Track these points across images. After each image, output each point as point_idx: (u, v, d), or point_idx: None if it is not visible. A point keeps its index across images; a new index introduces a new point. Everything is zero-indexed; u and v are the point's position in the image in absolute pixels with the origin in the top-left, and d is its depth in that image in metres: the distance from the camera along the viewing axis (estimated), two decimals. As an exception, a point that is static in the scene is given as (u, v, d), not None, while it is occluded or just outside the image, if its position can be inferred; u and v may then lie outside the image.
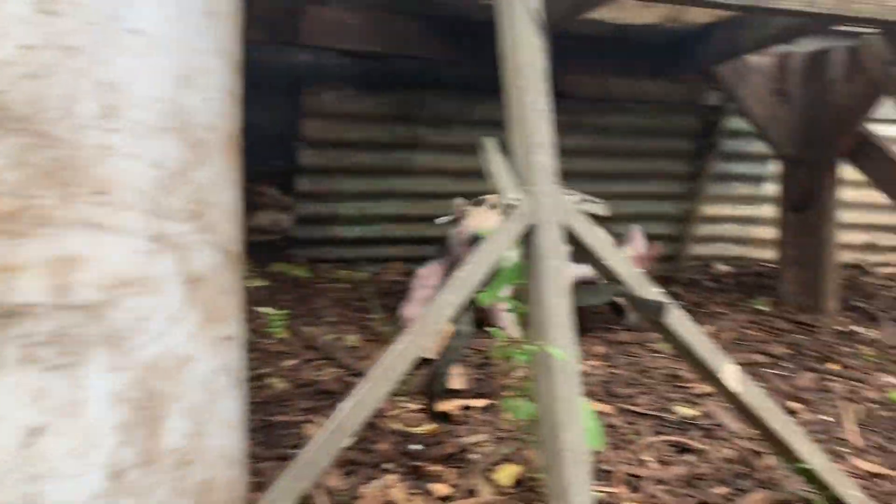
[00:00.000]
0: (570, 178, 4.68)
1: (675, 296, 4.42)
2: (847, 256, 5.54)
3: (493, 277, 1.86)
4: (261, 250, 4.34)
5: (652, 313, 1.90)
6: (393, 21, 3.75)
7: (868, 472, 2.31)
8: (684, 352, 1.98)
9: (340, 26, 3.65)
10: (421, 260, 4.41)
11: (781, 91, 4.28)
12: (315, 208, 4.25)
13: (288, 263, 4.10)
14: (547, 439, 1.79)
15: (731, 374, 1.96)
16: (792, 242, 4.32)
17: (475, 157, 4.48)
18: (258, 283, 3.64)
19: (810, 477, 2.01)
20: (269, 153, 4.30)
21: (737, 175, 5.17)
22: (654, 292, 1.92)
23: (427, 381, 1.81)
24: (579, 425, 1.75)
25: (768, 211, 5.06)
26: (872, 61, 3.54)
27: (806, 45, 4.20)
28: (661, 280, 4.89)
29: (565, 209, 1.88)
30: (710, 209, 5.17)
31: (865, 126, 4.01)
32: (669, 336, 1.96)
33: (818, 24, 3.22)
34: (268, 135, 4.29)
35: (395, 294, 3.82)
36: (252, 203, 4.37)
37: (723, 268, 5.25)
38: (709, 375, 1.99)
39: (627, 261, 1.93)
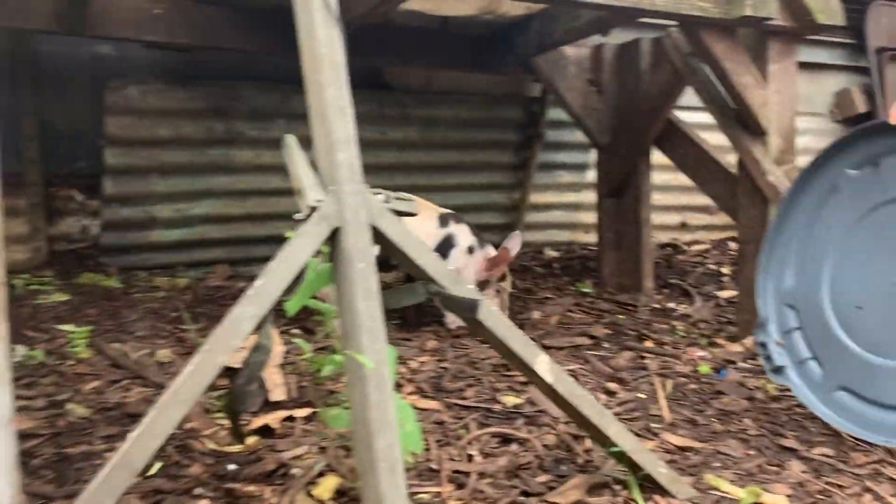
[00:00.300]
0: (400, 170, 4.67)
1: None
2: (663, 237, 5.92)
3: (299, 284, 1.75)
4: (67, 261, 3.97)
5: (465, 311, 1.87)
6: (200, 11, 3.52)
7: (677, 446, 2.43)
8: (499, 347, 1.98)
9: (140, 16, 3.38)
10: (248, 261, 4.21)
11: (596, 82, 4.46)
12: (126, 212, 3.93)
13: (98, 274, 3.77)
14: (361, 448, 1.72)
15: (545, 366, 1.98)
16: (610, 227, 4.52)
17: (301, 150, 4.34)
18: (59, 297, 3.31)
19: (622, 458, 2.08)
20: (72, 154, 3.94)
21: (561, 164, 5.35)
22: (467, 290, 1.89)
23: (228, 401, 1.68)
24: (393, 432, 1.69)
25: (591, 197, 5.27)
26: (675, 53, 3.75)
27: (622, 37, 4.40)
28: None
29: (372, 209, 1.81)
30: (538, 197, 5.32)
31: (672, 113, 4.25)
32: (485, 332, 1.95)
33: (621, 17, 3.34)
34: (69, 134, 3.93)
35: (218, 300, 3.62)
36: (55, 209, 3.99)
37: (552, 253, 5.43)
38: (524, 368, 1.99)
39: (438, 259, 1.89)
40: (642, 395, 2.83)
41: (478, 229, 3.60)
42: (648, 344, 3.47)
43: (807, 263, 2.77)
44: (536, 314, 3.80)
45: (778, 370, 2.77)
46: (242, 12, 3.60)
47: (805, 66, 6.10)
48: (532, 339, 3.38)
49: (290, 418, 2.45)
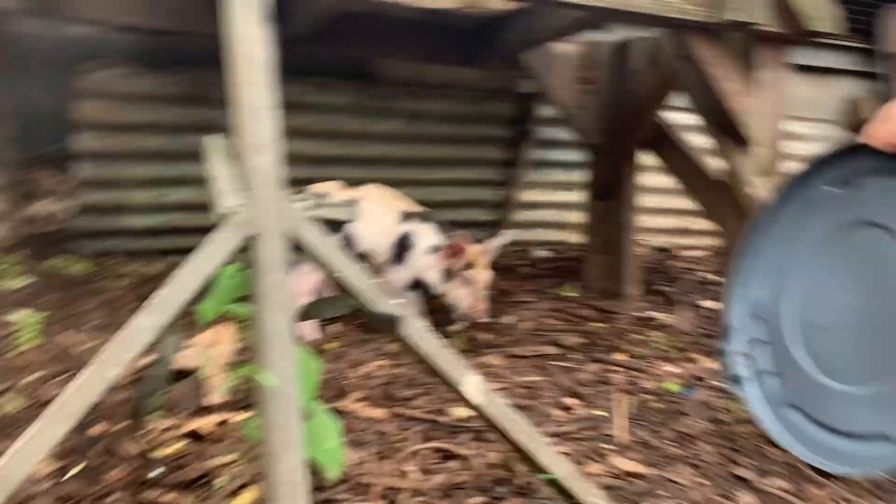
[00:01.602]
0: (383, 163, 4.58)
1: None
2: (660, 240, 5.79)
3: (209, 292, 1.68)
4: (40, 242, 3.94)
5: (388, 326, 1.79)
6: (175, -6, 3.44)
7: (625, 471, 2.33)
8: (426, 364, 1.89)
9: (113, -1, 3.31)
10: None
11: (587, 80, 4.33)
12: (99, 196, 3.88)
13: (67, 258, 3.73)
14: (267, 468, 1.65)
15: (473, 386, 1.89)
16: (597, 230, 4.41)
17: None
18: (21, 282, 3.26)
19: (556, 485, 1.99)
20: (47, 136, 3.89)
21: (553, 162, 5.24)
22: (391, 304, 1.81)
23: (130, 413, 1.62)
24: (297, 454, 1.62)
25: (582, 196, 5.16)
26: (664, 55, 3.62)
27: (619, 34, 4.26)
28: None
29: (292, 217, 1.72)
30: (528, 195, 5.21)
31: (662, 116, 4.12)
32: (410, 349, 1.86)
33: (601, 18, 3.22)
34: (44, 116, 3.88)
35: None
36: (30, 191, 3.96)
37: (540, 253, 5.32)
38: (452, 387, 1.91)
39: (362, 271, 1.80)
40: (600, 413, 2.73)
41: (452, 226, 3.47)
42: (619, 356, 3.35)
43: (779, 277, 2.71)
44: (509, 318, 3.70)
45: (735, 380, 2.73)
46: (219, -4, 3.52)
47: (811, 69, 5.95)
48: (497, 345, 3.33)
49: (224, 422, 2.39)
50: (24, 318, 2.88)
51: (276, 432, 1.60)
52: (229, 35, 1.74)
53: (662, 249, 5.62)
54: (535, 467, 1.99)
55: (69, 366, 2.65)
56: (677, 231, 5.83)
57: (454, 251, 3.20)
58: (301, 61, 4.17)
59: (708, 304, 4.30)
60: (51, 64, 3.81)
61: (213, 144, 1.85)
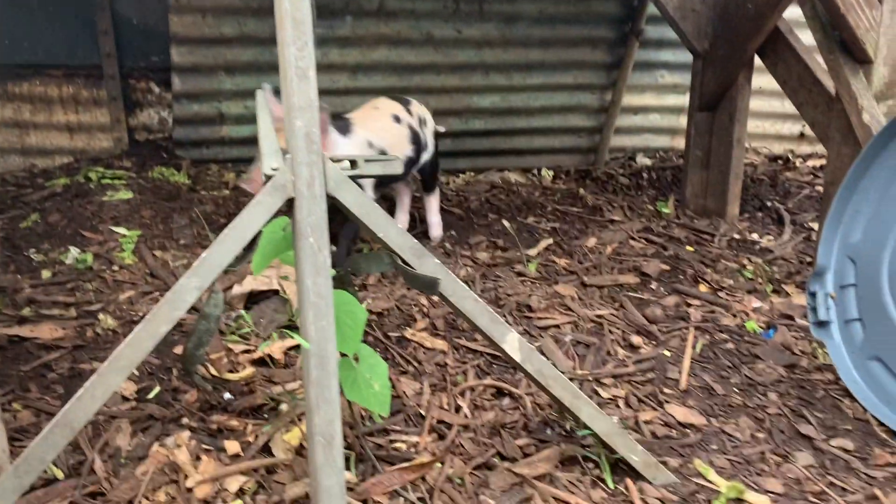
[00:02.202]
0: (477, 69, 4.45)
1: (577, 197, 4.32)
2: (778, 148, 5.40)
3: (251, 252, 1.75)
4: (146, 150, 4.16)
5: (428, 288, 1.81)
6: None
7: (678, 420, 2.31)
8: (468, 321, 1.91)
9: None
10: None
11: (697, -21, 3.96)
12: (196, 108, 4.02)
13: (170, 168, 3.94)
14: (307, 416, 1.76)
15: (513, 345, 1.90)
16: (699, 143, 4.15)
17: (369, 49, 4.21)
18: (124, 195, 3.49)
19: (597, 439, 2.01)
20: (146, 48, 4.03)
21: (663, 63, 4.91)
22: (430, 265, 1.81)
23: (182, 362, 1.75)
24: (333, 408, 1.70)
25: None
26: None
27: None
28: (579, 174, 4.78)
29: (331, 179, 1.74)
30: (634, 99, 4.95)
31: (782, 20, 3.73)
32: (452, 306, 1.88)
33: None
34: (142, 29, 4.00)
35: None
36: (134, 101, 4.16)
37: (644, 161, 5.10)
38: (494, 343, 1.93)
39: (402, 232, 1.81)
40: (667, 353, 2.68)
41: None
42: (702, 287, 3.24)
43: (877, 219, 2.51)
44: (592, 241, 3.62)
45: (822, 325, 2.60)
46: None
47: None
48: (572, 272, 3.27)
49: (298, 347, 2.52)
50: (124, 234, 3.10)
51: (313, 387, 1.69)
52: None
53: (779, 158, 5.24)
54: (577, 422, 2.01)
55: (158, 285, 2.86)
56: (796, 138, 5.41)
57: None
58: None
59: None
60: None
61: (261, 100, 1.86)
